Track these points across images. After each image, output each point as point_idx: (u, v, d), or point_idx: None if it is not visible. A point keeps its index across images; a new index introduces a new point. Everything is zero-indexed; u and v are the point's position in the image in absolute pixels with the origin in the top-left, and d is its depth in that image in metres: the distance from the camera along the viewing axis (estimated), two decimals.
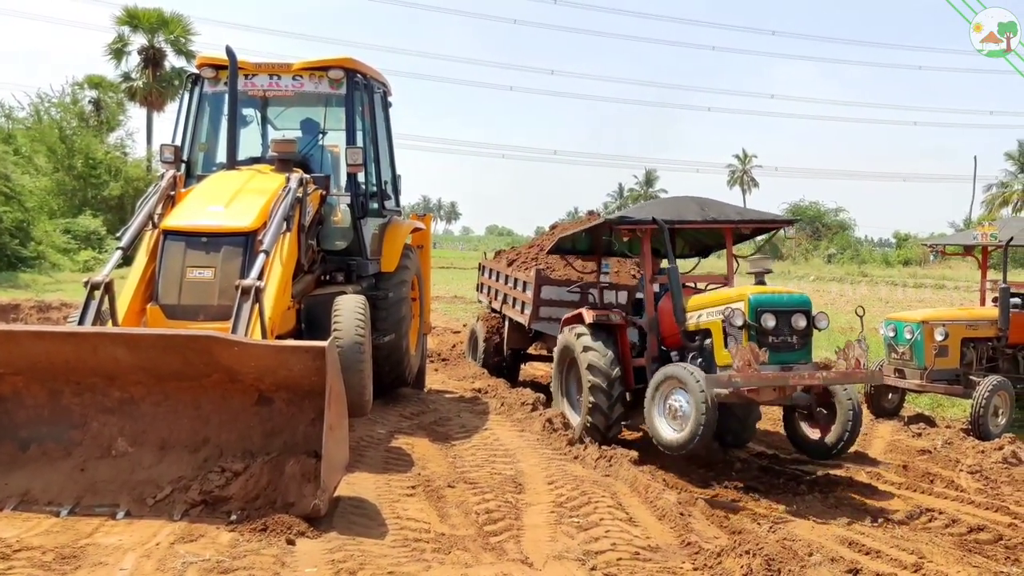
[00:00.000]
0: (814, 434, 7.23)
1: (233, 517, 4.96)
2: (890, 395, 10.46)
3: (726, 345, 6.96)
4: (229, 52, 7.82)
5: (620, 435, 8.12)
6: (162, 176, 7.46)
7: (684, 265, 8.80)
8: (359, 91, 8.73)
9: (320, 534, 4.87)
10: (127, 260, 6.86)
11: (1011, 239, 10.05)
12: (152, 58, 44.33)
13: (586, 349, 7.83)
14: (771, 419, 9.04)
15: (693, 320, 7.47)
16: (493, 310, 12.28)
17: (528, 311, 10.59)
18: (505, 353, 11.80)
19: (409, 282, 9.10)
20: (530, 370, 12.86)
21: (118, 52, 44.21)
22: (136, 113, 51.22)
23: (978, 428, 9.02)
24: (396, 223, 9.37)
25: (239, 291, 5.85)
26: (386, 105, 9.68)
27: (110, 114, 41.56)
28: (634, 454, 7.17)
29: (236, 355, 5.17)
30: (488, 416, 8.75)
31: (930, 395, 10.75)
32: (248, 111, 9.06)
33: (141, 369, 5.31)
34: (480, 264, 13.41)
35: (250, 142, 8.99)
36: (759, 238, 9.47)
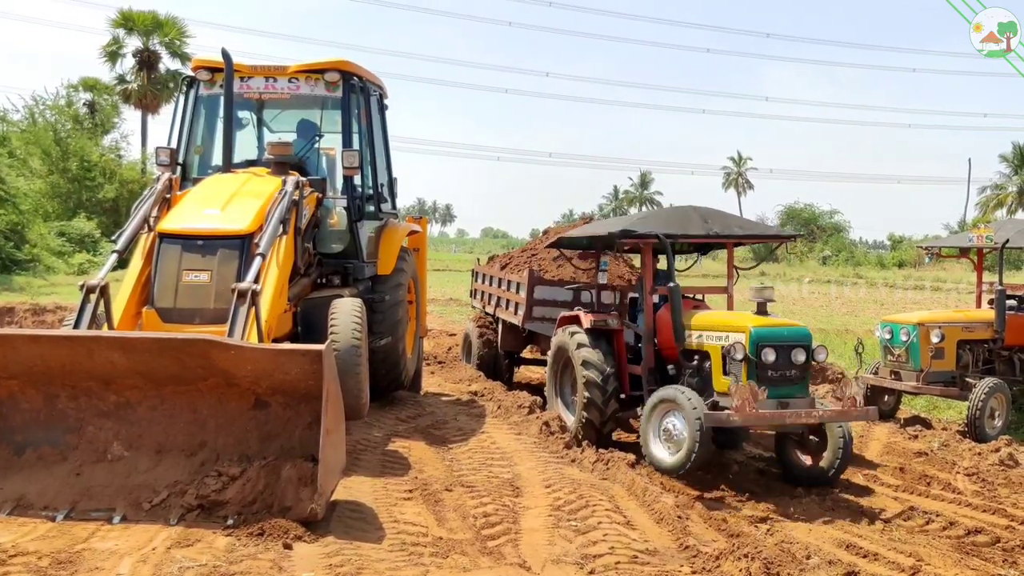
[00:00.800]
0: (805, 460, 7.28)
1: (230, 521, 4.94)
2: (886, 397, 10.47)
3: (725, 372, 7.00)
4: (225, 54, 7.80)
5: (615, 433, 8.16)
6: (158, 179, 7.45)
7: (683, 263, 8.82)
8: (355, 94, 8.72)
9: (317, 538, 4.86)
10: (123, 263, 6.84)
11: (1007, 241, 10.08)
12: (147, 60, 44.28)
13: (580, 346, 7.94)
14: None
15: (692, 340, 7.48)
16: (487, 314, 12.31)
17: (521, 312, 10.64)
18: (499, 355, 11.82)
19: (405, 285, 9.08)
20: (526, 372, 12.86)
21: (113, 54, 44.18)
22: (131, 116, 51.10)
23: (974, 430, 9.03)
24: (392, 226, 9.36)
25: (235, 294, 5.84)
26: (382, 108, 9.66)
27: (105, 117, 41.49)
28: (631, 457, 7.16)
29: (232, 359, 5.15)
30: (485, 419, 8.74)
31: (926, 397, 10.76)
32: (244, 114, 9.04)
33: (137, 373, 5.29)
34: (473, 270, 13.43)
35: (246, 145, 8.98)
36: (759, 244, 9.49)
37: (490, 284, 12.20)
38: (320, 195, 8.09)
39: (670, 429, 6.82)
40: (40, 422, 5.41)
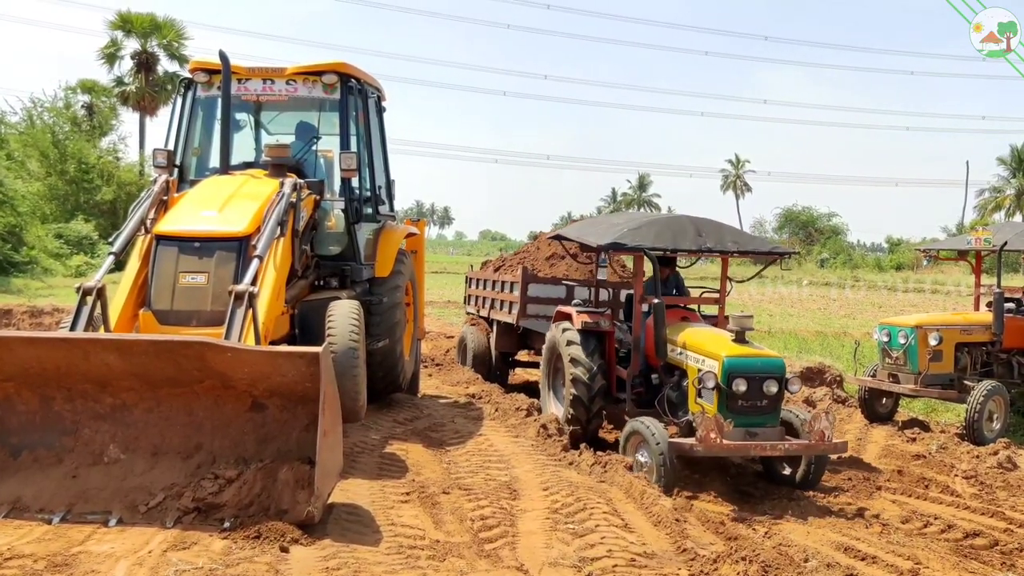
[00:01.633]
0: (785, 469, 7.34)
1: (226, 524, 4.92)
2: (884, 400, 10.47)
3: (699, 395, 7.04)
4: (222, 56, 7.79)
5: (611, 433, 8.19)
6: (155, 181, 7.43)
7: (682, 261, 8.83)
8: (353, 96, 8.70)
9: (314, 541, 4.84)
10: (120, 265, 6.82)
11: (1005, 243, 10.07)
12: (145, 62, 44.35)
13: (570, 343, 8.06)
14: None
15: (675, 356, 7.53)
16: (482, 317, 12.35)
17: (516, 310, 10.71)
18: (494, 357, 11.85)
19: (403, 287, 9.07)
20: (523, 375, 12.85)
21: (111, 56, 44.23)
22: (129, 117, 51.18)
23: (973, 433, 9.03)
24: (390, 228, 9.35)
25: (232, 296, 5.82)
26: (380, 110, 9.65)
27: (103, 118, 41.54)
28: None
29: (229, 361, 5.13)
30: (482, 422, 8.73)
31: (924, 400, 10.75)
32: (241, 115, 9.02)
33: (133, 375, 5.28)
34: (467, 276, 13.47)
35: (243, 147, 8.96)
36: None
37: (484, 287, 12.27)
38: (318, 197, 8.08)
39: (642, 460, 6.91)
40: (36, 424, 5.39)
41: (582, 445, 7.68)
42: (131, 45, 44.50)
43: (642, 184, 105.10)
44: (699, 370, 7.07)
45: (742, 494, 7.00)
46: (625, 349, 8.22)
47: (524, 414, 8.79)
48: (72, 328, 5.89)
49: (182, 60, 42.89)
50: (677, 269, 8.68)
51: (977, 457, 8.27)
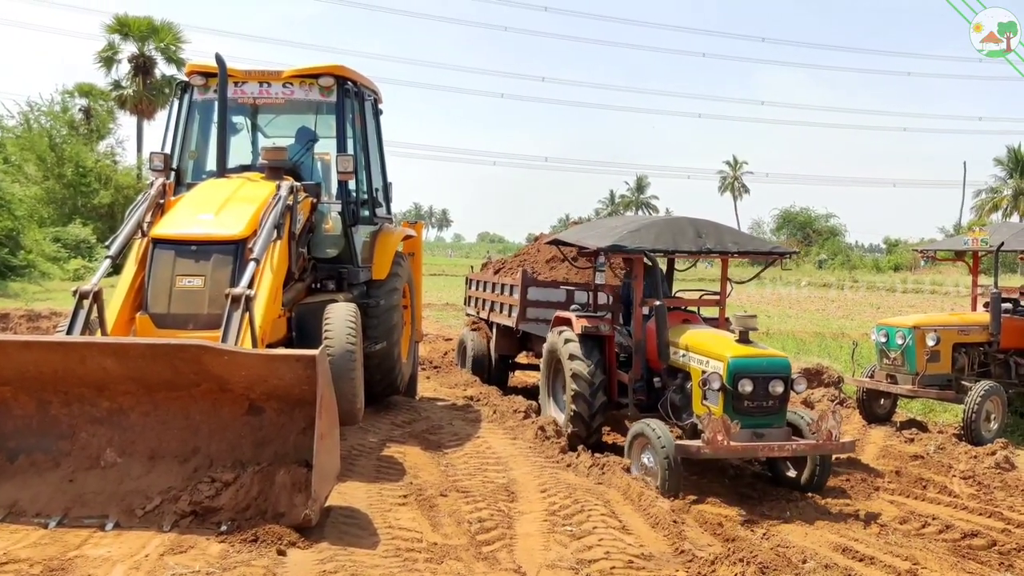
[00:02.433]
0: (790, 471, 7.32)
1: (223, 528, 4.92)
2: (882, 400, 10.47)
3: (704, 397, 7.00)
4: (219, 59, 7.79)
5: (611, 436, 8.17)
6: (151, 184, 7.41)
7: (681, 263, 8.81)
8: (350, 98, 8.70)
9: (311, 544, 4.83)
10: (116, 269, 6.82)
11: (1002, 244, 10.08)
12: (142, 66, 44.32)
13: (572, 357, 7.99)
14: None
15: (677, 358, 7.50)
16: (482, 319, 12.33)
17: (515, 313, 10.68)
18: (493, 360, 11.83)
19: (400, 290, 9.06)
20: (522, 377, 12.85)
21: (108, 60, 44.20)
22: (126, 121, 51.27)
23: (970, 433, 9.03)
24: (387, 230, 9.34)
25: (229, 300, 5.81)
26: (377, 112, 9.65)
27: (100, 122, 41.48)
28: (627, 461, 7.15)
29: (226, 364, 5.13)
30: (480, 424, 8.72)
31: (922, 400, 10.75)
32: (238, 119, 9.02)
33: (130, 379, 5.27)
34: (467, 278, 13.47)
35: (240, 150, 8.96)
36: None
37: (484, 289, 12.24)
38: (315, 200, 8.07)
39: (646, 464, 6.88)
40: (33, 428, 5.37)
41: (580, 447, 7.67)
42: (128, 49, 44.52)
43: (640, 186, 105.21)
44: (703, 372, 7.03)
45: (740, 495, 7.00)
46: (625, 353, 8.19)
47: (522, 416, 8.79)
48: (69, 332, 5.88)
49: (179, 63, 42.85)
50: (658, 267, 8.63)
51: (975, 457, 8.27)
